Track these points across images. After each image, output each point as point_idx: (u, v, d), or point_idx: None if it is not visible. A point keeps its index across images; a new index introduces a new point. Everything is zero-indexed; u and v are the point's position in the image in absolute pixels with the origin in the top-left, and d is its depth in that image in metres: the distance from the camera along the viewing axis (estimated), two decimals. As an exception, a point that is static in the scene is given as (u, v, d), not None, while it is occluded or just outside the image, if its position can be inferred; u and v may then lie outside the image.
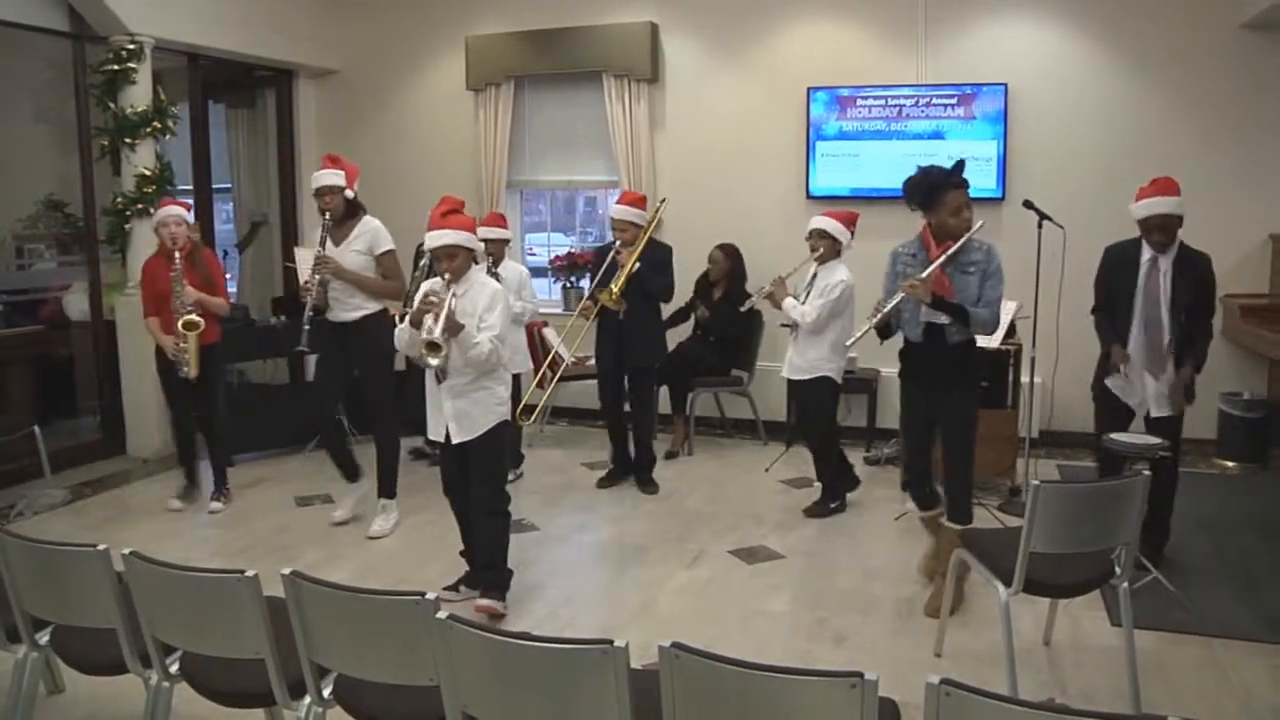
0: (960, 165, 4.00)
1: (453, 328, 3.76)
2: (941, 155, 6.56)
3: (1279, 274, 6.08)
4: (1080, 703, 3.31)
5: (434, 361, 3.77)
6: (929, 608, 4.06)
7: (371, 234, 4.94)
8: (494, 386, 3.99)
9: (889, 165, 6.72)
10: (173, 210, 5.27)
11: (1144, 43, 6.29)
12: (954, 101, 6.57)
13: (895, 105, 6.70)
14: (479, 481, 4.07)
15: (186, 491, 5.63)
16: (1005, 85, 6.46)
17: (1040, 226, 5.21)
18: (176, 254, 5.18)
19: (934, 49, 6.68)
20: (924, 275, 3.87)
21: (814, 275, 5.21)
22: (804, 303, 5.16)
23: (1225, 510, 5.34)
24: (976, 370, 4.16)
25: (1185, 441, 6.14)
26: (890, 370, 6.24)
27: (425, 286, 3.96)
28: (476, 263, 4.03)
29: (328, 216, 4.86)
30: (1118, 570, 3.33)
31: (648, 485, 5.83)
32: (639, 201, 5.61)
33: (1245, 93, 6.13)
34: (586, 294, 5.79)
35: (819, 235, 5.18)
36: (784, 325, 5.47)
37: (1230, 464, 6.13)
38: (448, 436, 4.00)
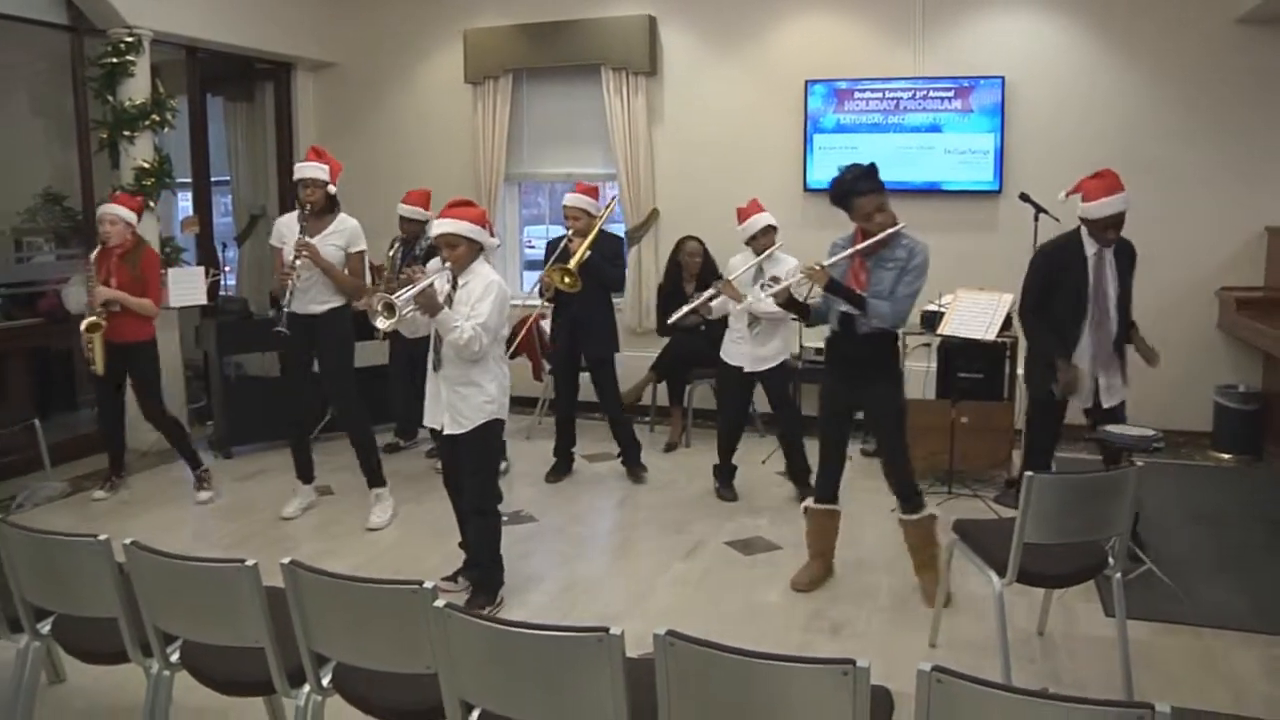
0: (872, 170, 4.03)
1: (430, 306, 3.75)
2: (939, 148, 6.61)
3: (1275, 267, 6.09)
4: (1073, 692, 3.33)
5: (380, 323, 3.74)
6: (927, 598, 4.11)
7: (350, 231, 5.03)
8: (484, 383, 3.95)
9: (886, 158, 6.65)
10: (108, 209, 5.33)
11: (1141, 36, 6.31)
12: (951, 94, 6.59)
13: (893, 98, 6.71)
14: (467, 478, 4.08)
15: (108, 479, 5.72)
16: (1003, 78, 6.48)
17: (1037, 219, 5.24)
18: (92, 255, 5.29)
19: (931, 42, 6.69)
20: (827, 263, 4.02)
21: (759, 269, 5.24)
22: (765, 295, 5.17)
23: (1219, 502, 5.36)
24: (895, 362, 4.21)
25: (1180, 434, 6.24)
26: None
27: (431, 267, 3.98)
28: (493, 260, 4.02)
29: (308, 208, 4.91)
30: (1111, 561, 3.35)
31: (636, 471, 5.89)
32: (592, 192, 5.70)
33: (1241, 86, 6.14)
34: (537, 279, 5.82)
35: (765, 232, 5.31)
36: (751, 326, 5.45)
37: (1225, 456, 6.15)
38: (443, 427, 4.02)
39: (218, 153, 8.08)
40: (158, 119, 6.40)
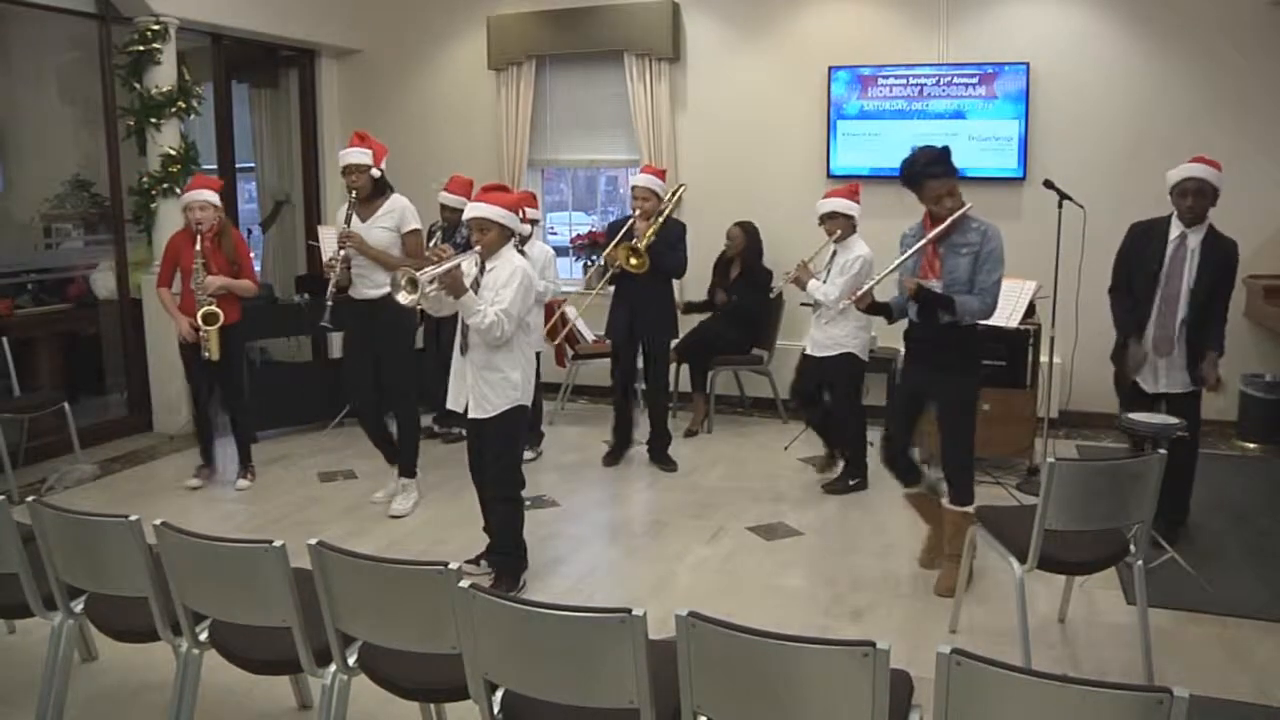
0: (944, 153, 3.94)
1: (454, 287, 3.75)
2: (963, 135, 6.57)
3: (1303, 255, 6.04)
4: (1093, 679, 3.33)
5: (402, 297, 3.69)
6: (940, 587, 4.09)
7: (400, 212, 4.99)
8: (507, 370, 3.95)
9: (910, 145, 6.63)
10: (198, 195, 5.20)
11: (1169, 20, 6.24)
12: (975, 81, 6.55)
13: (916, 85, 6.68)
14: (490, 463, 4.09)
15: (201, 471, 5.67)
16: (1027, 64, 6.43)
17: (1060, 206, 5.20)
18: (198, 240, 5.16)
19: (955, 28, 6.65)
20: (897, 262, 4.00)
21: (833, 254, 5.25)
22: (825, 281, 5.20)
23: (1245, 491, 5.33)
24: (975, 352, 4.10)
25: (1206, 423, 6.17)
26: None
27: (463, 258, 3.99)
28: (522, 246, 3.98)
29: (354, 194, 4.89)
30: (1133, 548, 3.35)
31: (665, 463, 5.87)
32: (661, 175, 5.64)
33: (1273, 70, 6.07)
34: (600, 259, 5.76)
35: (831, 217, 5.21)
36: (805, 304, 5.50)
37: (1251, 445, 6.11)
38: (468, 409, 4.04)
39: (243, 139, 8.13)
40: (184, 106, 6.46)
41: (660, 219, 5.51)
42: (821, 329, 5.28)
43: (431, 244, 6.17)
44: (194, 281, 5.19)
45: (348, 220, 4.89)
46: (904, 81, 6.71)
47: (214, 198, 5.23)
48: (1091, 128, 6.38)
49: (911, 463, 4.25)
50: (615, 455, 5.97)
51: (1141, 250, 4.39)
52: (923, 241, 3.95)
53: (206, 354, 5.24)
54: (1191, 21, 6.19)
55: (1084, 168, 6.26)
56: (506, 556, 4.20)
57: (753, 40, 7.13)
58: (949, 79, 6.60)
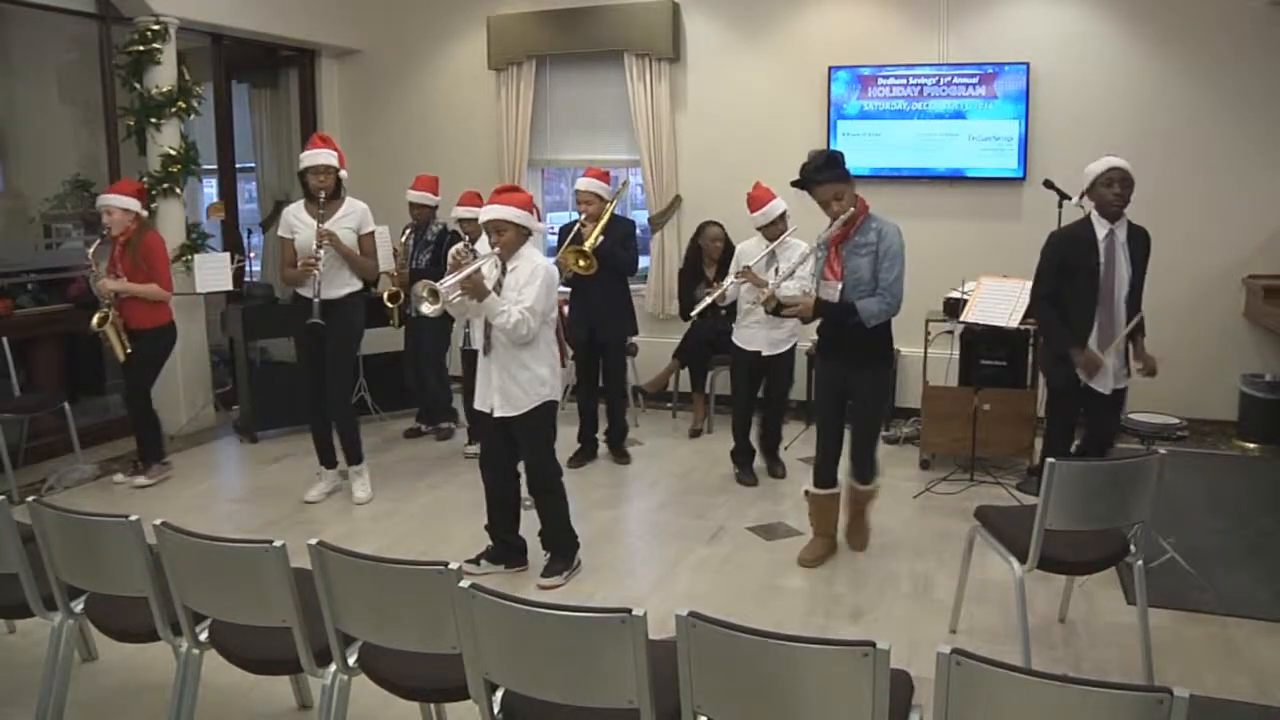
0: (831, 158, 4.11)
1: (477, 291, 3.80)
2: (963, 135, 6.57)
3: (1303, 255, 6.05)
4: (1093, 679, 3.34)
5: (425, 309, 3.77)
6: (855, 543, 4.51)
7: (361, 213, 5.11)
8: (534, 367, 4.00)
9: (910, 145, 6.73)
10: (106, 199, 5.32)
11: (1169, 19, 6.24)
12: (975, 81, 6.55)
13: (916, 85, 6.68)
14: (527, 459, 4.18)
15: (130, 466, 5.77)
16: (1027, 64, 6.43)
17: (1060, 206, 5.20)
18: (90, 249, 5.34)
19: (955, 28, 6.65)
20: (802, 272, 4.44)
21: (771, 254, 5.25)
22: (777, 281, 5.19)
23: (1245, 491, 5.33)
24: (888, 341, 4.26)
25: (1206, 423, 6.21)
26: (911, 350, 6.30)
27: (481, 251, 4.01)
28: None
29: (322, 195, 4.96)
30: (1133, 548, 3.35)
31: (621, 456, 5.95)
32: (603, 176, 5.69)
33: (1272, 70, 6.07)
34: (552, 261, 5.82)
35: (781, 219, 5.30)
36: (744, 306, 5.50)
37: (1251, 445, 6.11)
38: (493, 409, 4.07)
39: (243, 139, 8.14)
40: (184, 106, 6.46)
41: (604, 219, 5.55)
42: (777, 327, 5.39)
43: (403, 240, 6.25)
44: (92, 283, 5.32)
45: (321, 220, 4.95)
46: (904, 81, 6.71)
47: (121, 201, 5.31)
48: (1091, 128, 6.38)
49: (835, 467, 4.42)
50: (582, 457, 5.98)
51: (1074, 254, 4.33)
52: (816, 244, 4.21)
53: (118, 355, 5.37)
54: (1191, 21, 6.19)
55: (1084, 167, 6.22)
56: (561, 541, 4.30)
57: (753, 40, 7.13)
58: (949, 79, 6.60)
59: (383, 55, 8.13)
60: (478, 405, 4.15)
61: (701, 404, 6.74)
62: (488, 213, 3.92)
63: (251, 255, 8.24)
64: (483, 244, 4.16)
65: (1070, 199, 5.20)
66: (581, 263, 5.43)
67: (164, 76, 6.36)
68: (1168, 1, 6.23)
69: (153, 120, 6.35)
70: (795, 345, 5.56)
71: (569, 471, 5.77)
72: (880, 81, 6.76)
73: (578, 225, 5.60)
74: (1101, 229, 4.28)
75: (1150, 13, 6.27)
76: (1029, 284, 5.47)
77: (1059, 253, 4.39)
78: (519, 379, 3.99)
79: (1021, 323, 5.30)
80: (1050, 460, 3.11)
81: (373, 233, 5.17)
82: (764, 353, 5.44)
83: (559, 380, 4.14)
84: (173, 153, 6.41)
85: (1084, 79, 6.43)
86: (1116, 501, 3.19)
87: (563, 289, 5.91)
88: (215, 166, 7.53)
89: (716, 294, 5.12)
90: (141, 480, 5.61)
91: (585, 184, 5.59)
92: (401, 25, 8.02)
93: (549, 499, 4.25)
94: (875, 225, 4.10)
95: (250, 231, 8.24)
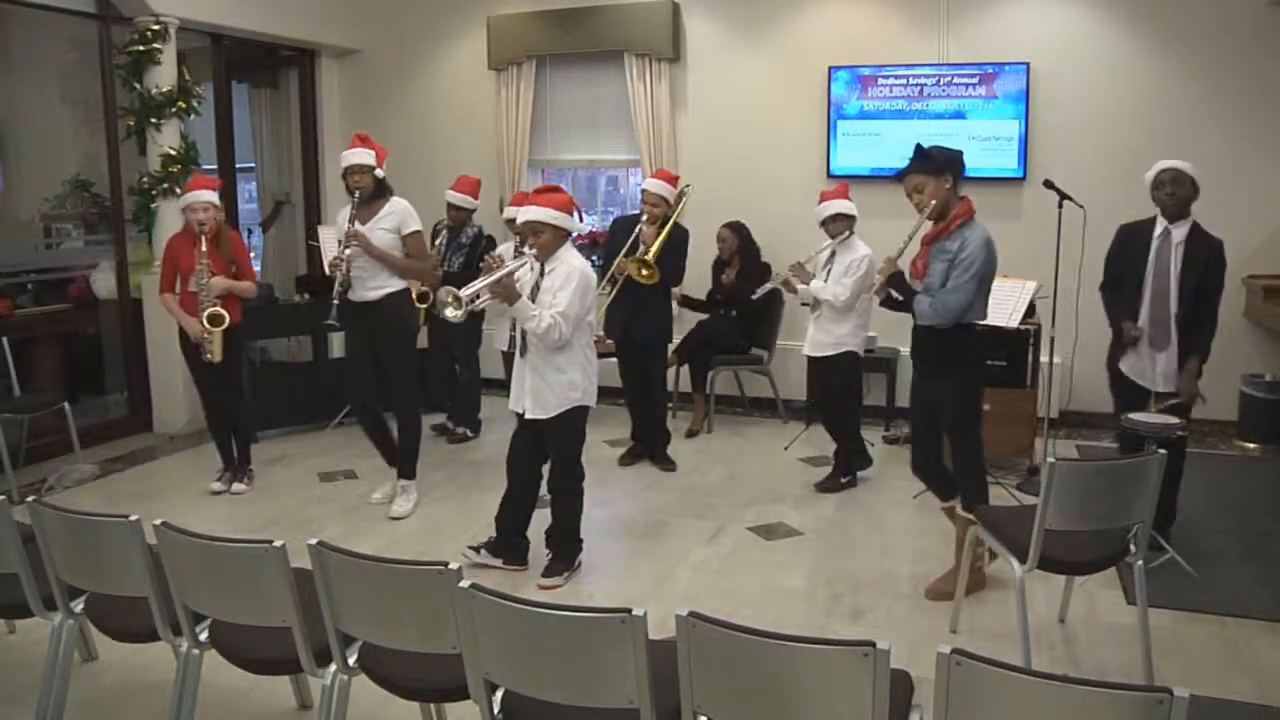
0: (915, 150, 3.95)
1: (508, 295, 3.80)
2: (963, 135, 6.57)
3: (1304, 255, 6.04)
4: (1094, 679, 3.34)
5: (449, 313, 3.79)
6: (933, 591, 4.06)
7: (400, 214, 4.95)
8: (567, 370, 3.99)
9: (910, 145, 6.65)
10: (199, 196, 5.12)
11: (1169, 20, 6.24)
12: (975, 81, 6.55)
13: (916, 85, 6.68)
14: (554, 462, 4.18)
15: (223, 475, 5.56)
16: (1027, 65, 6.43)
17: (1060, 206, 5.20)
18: (203, 241, 5.09)
19: (955, 28, 6.65)
20: (893, 255, 3.94)
21: (832, 254, 5.26)
22: (827, 282, 5.21)
23: (1245, 491, 5.33)
24: (968, 353, 4.00)
25: (1206, 423, 6.20)
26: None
27: (506, 252, 4.00)
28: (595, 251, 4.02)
29: (357, 195, 4.86)
30: (1133, 548, 3.35)
31: (665, 463, 5.88)
32: (672, 180, 5.62)
33: (1272, 70, 6.07)
34: (614, 266, 5.68)
35: (835, 219, 5.26)
36: (805, 304, 5.50)
37: (1251, 445, 6.11)
38: (525, 411, 4.09)
39: (243, 139, 8.13)
40: (184, 106, 6.46)
41: (668, 226, 5.52)
42: (823, 329, 5.29)
43: (436, 242, 6.19)
44: (198, 283, 5.13)
45: (351, 221, 4.84)
46: (904, 81, 6.71)
47: (215, 198, 5.18)
48: (1091, 128, 6.38)
49: (945, 475, 4.18)
50: (633, 455, 5.98)
51: (1129, 249, 4.42)
52: (914, 234, 3.94)
53: (209, 356, 5.18)
54: (1191, 21, 6.19)
55: (1084, 168, 6.25)
56: (565, 544, 4.30)
57: (753, 40, 7.13)
58: (949, 79, 6.60)
59: (383, 55, 8.13)
60: (511, 406, 4.17)
61: (701, 404, 6.74)
62: (525, 214, 3.91)
63: (251, 255, 8.23)
64: (507, 250, 4.12)
65: (1070, 199, 5.21)
66: (644, 272, 5.40)
67: (164, 76, 6.36)
68: (1168, 1, 6.23)
69: (153, 120, 6.35)
70: (847, 354, 5.28)
71: (600, 470, 5.76)
72: (880, 82, 6.76)
73: (638, 228, 5.53)
74: (1159, 227, 4.32)
75: (1150, 13, 6.27)
76: (1029, 284, 5.51)
77: (1118, 244, 4.49)
78: (550, 381, 4.00)
79: (1022, 323, 5.30)
80: (1050, 460, 3.11)
81: (417, 233, 4.98)
82: (805, 352, 5.41)
83: (593, 385, 4.11)
84: (173, 153, 6.40)
85: (1084, 79, 6.43)
86: (1116, 501, 3.19)
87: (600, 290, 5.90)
88: (215, 166, 7.52)
89: (776, 281, 5.12)
90: (240, 487, 5.49)
91: (654, 185, 5.51)
92: (401, 25, 8.02)
93: (566, 501, 4.24)
94: (965, 233, 3.85)
95: (250, 231, 8.25)
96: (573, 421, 4.10)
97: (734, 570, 4.41)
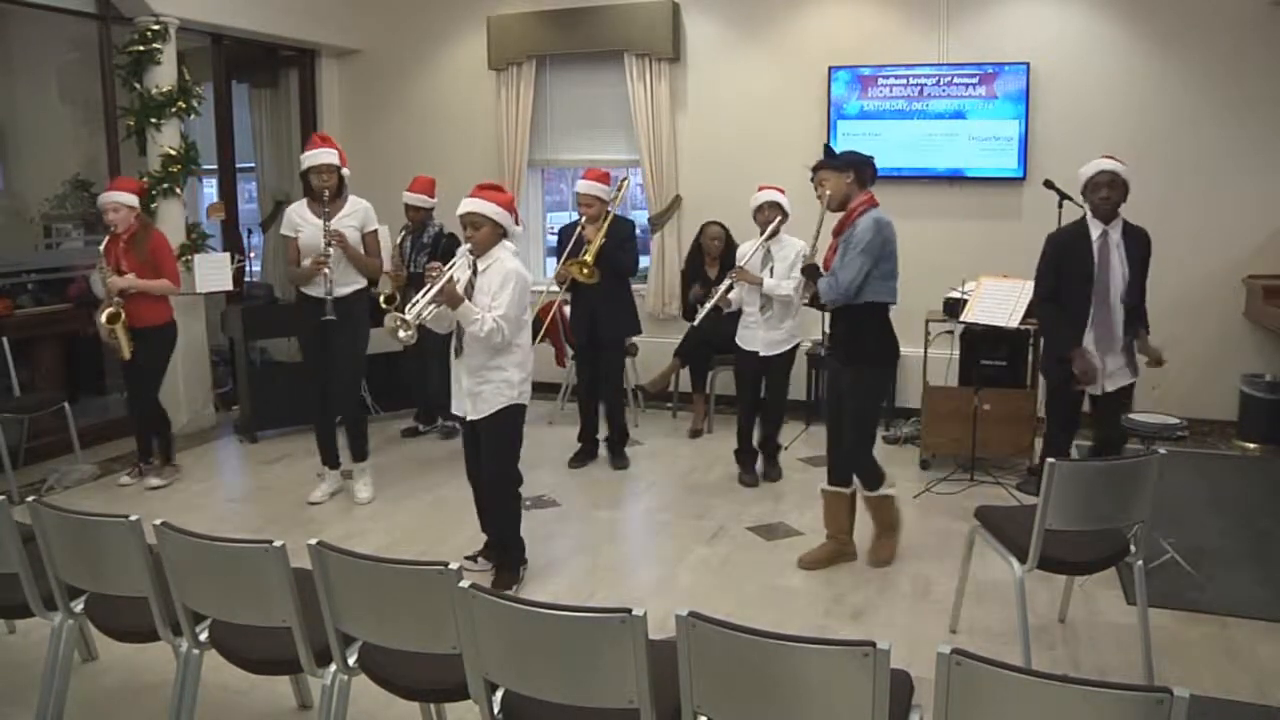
0: (829, 150, 4.41)
1: (451, 300, 3.77)
2: (963, 135, 6.58)
3: (1303, 255, 6.04)
4: (1094, 679, 3.34)
5: (402, 335, 3.73)
6: (873, 559, 4.40)
7: (364, 211, 5.13)
8: (507, 368, 3.96)
9: (910, 145, 6.73)
10: (110, 196, 5.30)
11: (1170, 19, 6.24)
12: (975, 81, 6.54)
13: (917, 85, 6.68)
14: (487, 461, 4.08)
15: (134, 468, 5.71)
16: (1027, 64, 6.43)
17: (1060, 206, 5.21)
18: (118, 241, 5.28)
19: (955, 28, 6.65)
20: (807, 251, 4.43)
21: (766, 252, 5.31)
22: (773, 279, 5.33)
23: (1245, 491, 5.33)
24: (876, 344, 4.20)
25: (1206, 423, 6.21)
26: (911, 350, 6.27)
27: (459, 251, 3.99)
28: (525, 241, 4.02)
29: (325, 194, 4.96)
30: (1133, 548, 3.35)
31: (620, 459, 5.92)
32: (603, 178, 5.66)
33: (1272, 70, 6.06)
34: (556, 272, 5.80)
35: (768, 208, 5.34)
36: (735, 310, 5.51)
37: (1251, 445, 6.11)
38: (466, 414, 4.05)
39: (243, 139, 8.14)
40: (184, 106, 6.46)
41: (606, 222, 5.54)
42: (774, 327, 5.40)
43: (399, 243, 6.24)
44: (99, 281, 5.30)
45: (324, 218, 4.94)
46: (904, 81, 6.71)
47: (125, 199, 5.31)
48: (1091, 128, 6.38)
49: (844, 465, 4.42)
50: (582, 457, 5.98)
51: (1069, 255, 4.41)
52: (820, 226, 4.30)
53: (118, 355, 5.34)
54: (1191, 21, 6.19)
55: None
56: (507, 551, 4.23)
57: (753, 40, 7.13)
58: (949, 79, 6.60)
59: (383, 55, 8.13)
60: (455, 410, 4.12)
61: (702, 404, 6.74)
62: (465, 206, 3.88)
63: (251, 255, 8.25)
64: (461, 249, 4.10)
65: (1070, 199, 5.20)
66: (584, 272, 5.43)
67: (164, 76, 6.36)
68: (1168, 1, 6.23)
69: (153, 120, 6.35)
70: (796, 347, 5.54)
71: (569, 472, 5.81)
72: (880, 81, 6.76)
73: (579, 229, 5.59)
74: (1095, 229, 4.34)
75: (1150, 13, 6.27)
76: (1029, 284, 5.49)
77: (1055, 253, 4.48)
78: (490, 379, 3.95)
79: (1021, 323, 5.30)
80: (1050, 460, 3.11)
81: (375, 232, 5.19)
82: (761, 353, 5.43)
83: (529, 385, 4.07)
84: (173, 153, 6.40)
85: (1084, 79, 6.43)
86: (1117, 501, 3.19)
87: (561, 292, 5.96)
88: (215, 166, 7.53)
89: (718, 298, 5.17)
90: (155, 481, 5.59)
91: (585, 186, 5.58)
92: (401, 25, 8.02)
93: (504, 504, 4.16)
94: (861, 219, 4.11)
95: (250, 231, 8.25)
96: (509, 420, 4.02)
97: (734, 571, 4.41)
